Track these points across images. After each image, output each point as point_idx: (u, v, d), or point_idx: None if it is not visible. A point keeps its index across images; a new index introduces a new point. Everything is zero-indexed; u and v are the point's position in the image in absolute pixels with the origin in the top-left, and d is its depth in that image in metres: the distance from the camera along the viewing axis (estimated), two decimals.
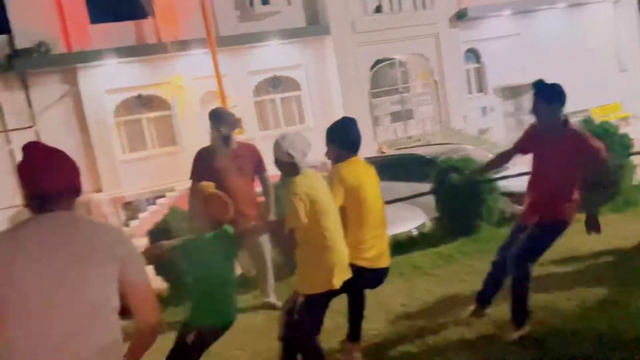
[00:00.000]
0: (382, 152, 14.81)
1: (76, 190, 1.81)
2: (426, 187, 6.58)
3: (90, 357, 1.64)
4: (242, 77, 16.01)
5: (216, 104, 13.22)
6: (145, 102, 15.71)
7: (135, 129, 15.72)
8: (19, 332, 1.59)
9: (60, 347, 1.61)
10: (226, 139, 4.14)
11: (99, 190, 14.95)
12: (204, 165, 4.21)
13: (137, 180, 14.99)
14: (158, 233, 5.21)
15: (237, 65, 15.70)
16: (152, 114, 15.81)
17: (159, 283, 5.38)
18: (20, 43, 14.20)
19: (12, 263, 1.62)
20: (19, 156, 1.88)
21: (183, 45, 14.94)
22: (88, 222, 1.82)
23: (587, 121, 6.75)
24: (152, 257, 3.41)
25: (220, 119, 4.14)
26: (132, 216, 14.87)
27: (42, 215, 1.72)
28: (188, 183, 4.35)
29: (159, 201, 14.66)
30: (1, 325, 1.60)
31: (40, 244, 1.66)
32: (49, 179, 1.73)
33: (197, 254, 2.97)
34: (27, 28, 14.15)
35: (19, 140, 14.25)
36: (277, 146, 3.08)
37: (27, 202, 1.78)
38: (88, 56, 14.46)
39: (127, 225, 14.51)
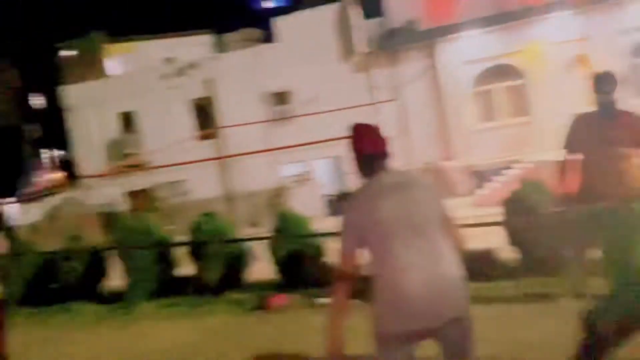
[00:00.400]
0: None
1: (389, 154, 2.39)
2: None
3: (450, 261, 2.20)
4: (610, 37, 13.98)
5: (578, 70, 12.02)
6: (499, 72, 15.54)
7: (487, 99, 15.81)
8: (394, 247, 2.18)
9: (427, 256, 2.17)
10: (611, 106, 3.70)
11: (449, 159, 15.81)
12: (582, 133, 3.86)
13: (486, 150, 15.15)
14: (514, 204, 5.15)
15: (605, 24, 13.82)
16: (505, 84, 15.56)
17: (510, 253, 5.35)
18: (392, 23, 16.09)
19: (378, 202, 2.22)
20: (384, 127, 2.52)
21: (544, 8, 14.03)
22: (409, 173, 2.44)
23: None
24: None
25: (607, 82, 3.70)
26: (479, 185, 15.15)
27: (379, 174, 2.30)
28: (539, 155, 4.09)
29: (505, 172, 14.45)
30: (378, 243, 2.20)
31: (392, 190, 2.25)
32: (376, 146, 2.35)
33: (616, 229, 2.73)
34: (398, 9, 15.88)
35: (386, 112, 16.37)
36: None
37: (359, 168, 2.36)
38: (450, 29, 15.19)
39: (472, 193, 14.89)
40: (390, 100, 16.49)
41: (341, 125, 14.71)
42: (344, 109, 15.81)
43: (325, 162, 18.16)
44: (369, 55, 16.60)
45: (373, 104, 16.59)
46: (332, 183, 18.47)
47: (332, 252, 6.65)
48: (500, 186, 13.30)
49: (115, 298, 6.52)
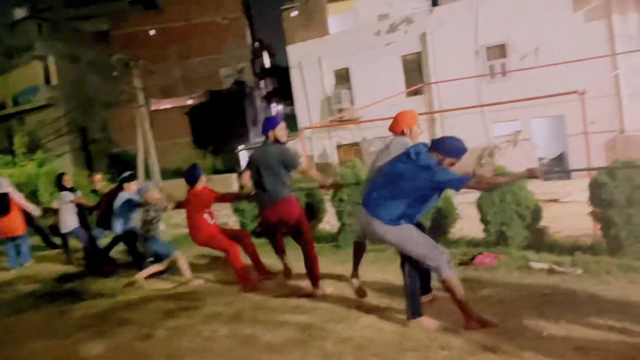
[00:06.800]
0: None
1: None
2: None
3: None
4: None
5: None
6: None
7: None
8: None
9: None
10: None
11: None
12: None
13: None
14: None
15: None
16: None
17: None
18: None
19: None
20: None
21: None
22: None
23: None
24: None
25: None
26: None
27: None
28: None
29: None
30: None
31: None
32: None
33: None
34: None
35: (628, 64, 14.16)
36: None
37: None
38: None
39: None
40: (635, 51, 14.18)
41: (565, 81, 13.70)
42: (569, 62, 14.17)
43: (544, 121, 16.70)
44: (607, 1, 14.44)
45: (612, 55, 14.50)
46: (550, 145, 16.98)
47: (548, 216, 6.27)
48: None
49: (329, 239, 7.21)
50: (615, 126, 14.98)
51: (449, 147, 3.49)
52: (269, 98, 41.76)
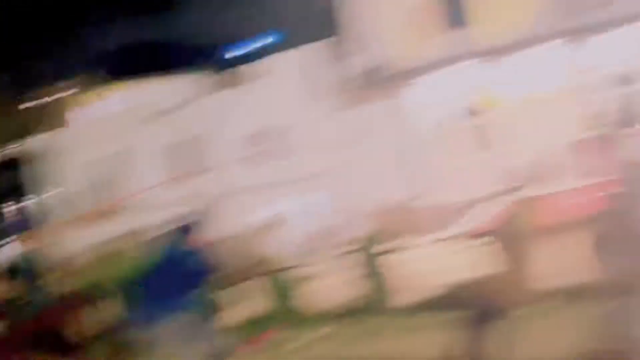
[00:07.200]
0: None
1: None
2: None
3: None
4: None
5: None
6: (463, 113, 16.10)
7: (454, 139, 16.26)
8: None
9: None
10: None
11: (419, 198, 16.01)
12: None
13: (456, 187, 15.45)
14: None
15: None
16: (469, 124, 16.12)
17: None
18: (369, 64, 16.67)
19: None
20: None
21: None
22: None
23: None
24: None
25: None
26: (453, 221, 15.35)
27: None
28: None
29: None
30: None
31: None
32: None
33: None
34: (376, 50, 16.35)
35: (355, 151, 16.57)
36: None
37: None
38: (416, 72, 15.72)
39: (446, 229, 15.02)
40: (358, 140, 16.74)
41: (316, 166, 15.00)
42: (320, 147, 15.99)
43: (302, 202, 18.20)
44: (342, 94, 17.10)
45: (344, 143, 16.89)
46: (308, 224, 18.45)
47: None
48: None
49: None
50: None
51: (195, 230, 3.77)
52: (3, 196, 36.39)
